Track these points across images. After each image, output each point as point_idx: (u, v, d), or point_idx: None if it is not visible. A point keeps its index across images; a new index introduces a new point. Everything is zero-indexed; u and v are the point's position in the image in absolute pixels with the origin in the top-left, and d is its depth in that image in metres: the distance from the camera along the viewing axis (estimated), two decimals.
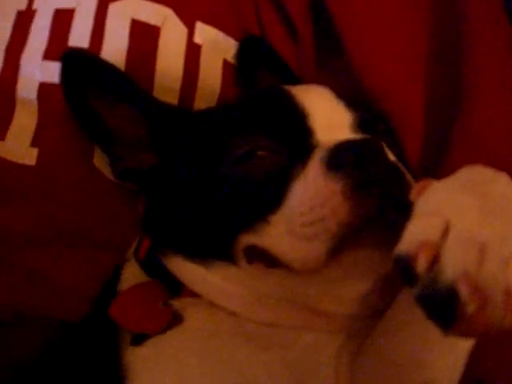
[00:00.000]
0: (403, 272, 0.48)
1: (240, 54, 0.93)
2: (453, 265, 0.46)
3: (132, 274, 0.77)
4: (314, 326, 0.68)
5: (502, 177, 0.55)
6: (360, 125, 0.71)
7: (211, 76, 0.91)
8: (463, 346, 0.60)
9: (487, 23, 0.88)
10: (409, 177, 0.64)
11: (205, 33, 0.91)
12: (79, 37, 0.87)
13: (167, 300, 0.72)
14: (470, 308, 0.44)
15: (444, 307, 0.45)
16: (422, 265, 0.47)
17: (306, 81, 0.92)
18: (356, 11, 0.89)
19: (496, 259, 0.46)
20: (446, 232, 0.48)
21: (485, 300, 0.45)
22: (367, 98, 0.84)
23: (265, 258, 0.65)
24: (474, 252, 0.46)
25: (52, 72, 0.84)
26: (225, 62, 0.92)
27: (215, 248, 0.69)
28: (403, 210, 0.53)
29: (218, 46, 0.92)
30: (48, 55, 0.87)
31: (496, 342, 0.72)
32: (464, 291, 0.44)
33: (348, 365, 0.65)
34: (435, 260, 0.47)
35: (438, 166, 0.83)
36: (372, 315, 0.66)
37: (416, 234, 0.49)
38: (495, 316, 0.45)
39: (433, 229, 0.48)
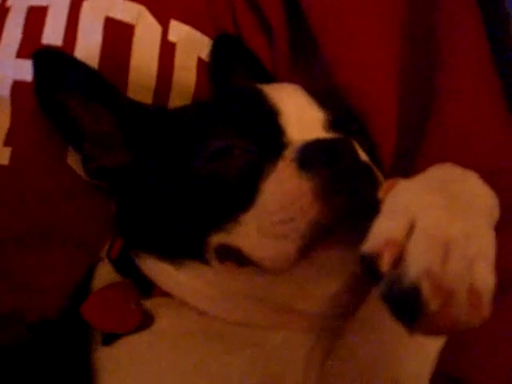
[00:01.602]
0: (369, 270, 0.48)
1: (214, 51, 0.93)
2: (416, 262, 0.46)
3: (105, 274, 0.77)
4: (286, 325, 0.68)
5: (471, 176, 0.56)
6: (332, 124, 0.71)
7: (186, 74, 0.90)
8: (432, 346, 0.59)
9: (461, 18, 0.88)
10: (380, 176, 0.64)
11: (179, 31, 0.90)
12: (53, 34, 0.87)
13: (139, 300, 0.71)
14: (433, 305, 0.44)
15: (408, 305, 0.45)
16: (386, 262, 0.47)
17: (280, 79, 0.92)
18: (330, 10, 0.88)
19: (460, 257, 0.46)
20: (411, 230, 0.48)
21: (449, 298, 0.45)
22: (342, 98, 0.84)
23: (236, 257, 0.64)
24: (438, 250, 0.46)
25: (25, 70, 0.84)
26: (199, 60, 0.92)
27: (186, 247, 0.69)
28: (374, 210, 0.53)
29: (192, 44, 0.91)
30: (21, 53, 0.86)
31: (472, 340, 0.73)
32: (426, 288, 0.45)
33: (319, 363, 0.65)
34: (400, 258, 0.47)
35: (411, 166, 0.83)
36: (343, 314, 0.66)
37: (381, 232, 0.49)
38: (460, 314, 0.45)
39: (398, 227, 0.48)
